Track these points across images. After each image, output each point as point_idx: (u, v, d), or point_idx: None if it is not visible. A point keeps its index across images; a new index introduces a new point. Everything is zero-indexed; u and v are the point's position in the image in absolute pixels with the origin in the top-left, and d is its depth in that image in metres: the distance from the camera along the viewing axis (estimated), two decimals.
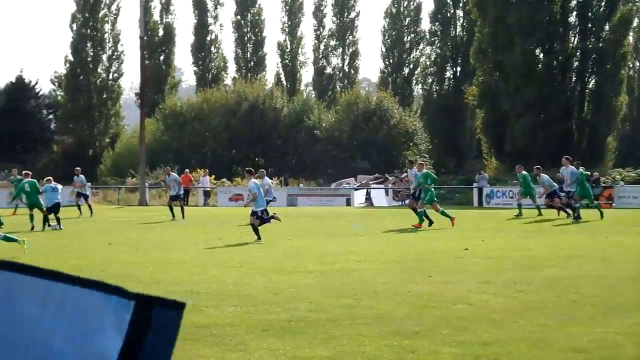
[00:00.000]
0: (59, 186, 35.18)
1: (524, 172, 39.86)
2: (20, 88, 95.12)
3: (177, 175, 43.21)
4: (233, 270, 18.12)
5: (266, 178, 39.08)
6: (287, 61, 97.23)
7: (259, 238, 26.16)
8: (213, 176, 65.40)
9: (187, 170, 60.52)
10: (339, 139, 78.55)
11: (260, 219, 27.14)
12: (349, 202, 56.13)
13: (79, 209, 43.01)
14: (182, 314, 1.64)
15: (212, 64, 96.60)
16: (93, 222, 38.27)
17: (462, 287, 14.92)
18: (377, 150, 75.87)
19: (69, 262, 20.17)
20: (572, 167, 36.15)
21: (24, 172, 38.90)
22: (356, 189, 59.48)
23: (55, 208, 33.68)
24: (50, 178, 35.92)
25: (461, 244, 23.63)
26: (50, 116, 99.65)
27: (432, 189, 33.58)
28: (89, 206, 43.54)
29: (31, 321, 1.71)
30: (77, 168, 45.81)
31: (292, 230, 30.81)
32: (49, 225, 33.29)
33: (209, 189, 61.05)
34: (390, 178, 63.32)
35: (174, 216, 39.27)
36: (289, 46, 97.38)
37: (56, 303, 1.69)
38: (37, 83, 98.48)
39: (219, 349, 10.02)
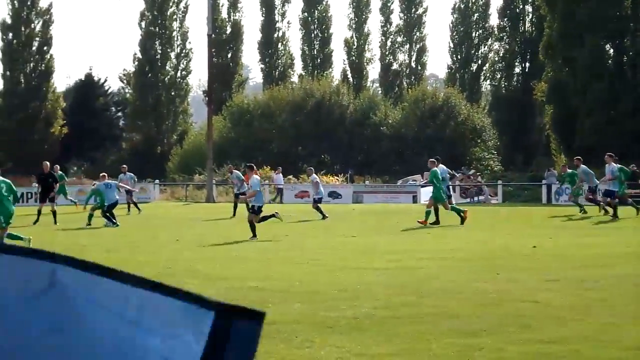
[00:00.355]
0: (113, 182, 35.64)
1: (569, 171, 39.40)
2: (89, 86, 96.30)
3: (240, 173, 43.37)
4: (299, 267, 18.17)
5: (314, 175, 39.39)
6: (353, 58, 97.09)
7: (254, 236, 26.26)
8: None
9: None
10: (406, 136, 78.31)
11: (257, 214, 27.24)
12: (415, 199, 55.96)
13: (136, 206, 43.14)
14: (262, 324, 1.63)
15: (279, 61, 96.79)
16: (161, 219, 38.63)
17: (529, 285, 14.81)
18: (444, 147, 75.47)
19: (137, 258, 20.39)
20: (614, 164, 35.51)
21: (101, 174, 39.37)
22: (423, 186, 59.27)
23: (112, 206, 34.07)
24: (105, 174, 36.44)
25: (529, 241, 23.44)
26: (119, 113, 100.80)
27: (443, 187, 33.40)
28: (128, 204, 43.43)
29: (110, 327, 1.73)
30: (124, 166, 45.92)
31: (357, 227, 30.83)
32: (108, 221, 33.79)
33: (282, 187, 60.74)
34: (457, 175, 62.99)
35: (234, 214, 39.35)
36: (355, 43, 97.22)
37: (135, 309, 1.71)
38: (106, 81, 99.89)
39: (285, 346, 10.05)
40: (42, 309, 1.80)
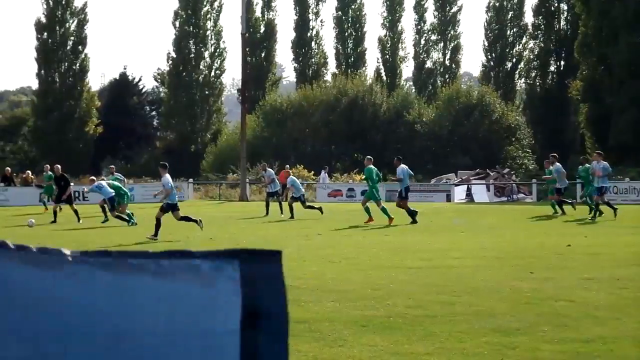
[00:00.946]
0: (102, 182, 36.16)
1: (552, 168, 38.55)
2: (124, 85, 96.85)
3: (272, 172, 43.39)
4: (332, 266, 18.13)
5: (292, 176, 39.75)
6: (387, 56, 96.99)
7: (156, 235, 26.17)
8: (313, 172, 65.69)
9: (287, 166, 60.85)
10: (439, 134, 78.07)
11: (165, 211, 27.11)
12: (449, 198, 55.75)
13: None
14: (281, 261, 1.80)
15: (313, 60, 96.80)
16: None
17: (564, 284, 14.70)
18: (478, 146, 75.22)
19: None
20: (605, 162, 34.72)
21: (90, 178, 39.69)
22: (457, 185, 59.08)
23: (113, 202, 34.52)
24: (93, 178, 37.22)
25: (564, 240, 23.29)
26: (153, 112, 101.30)
27: (377, 186, 33.51)
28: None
29: (146, 302, 1.76)
30: (112, 166, 45.56)
31: (390, 226, 30.75)
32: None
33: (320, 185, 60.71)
34: (491, 173, 62.73)
35: (267, 213, 39.35)
36: (389, 41, 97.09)
37: (170, 279, 1.80)
38: (140, 80, 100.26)
39: (318, 344, 10.02)
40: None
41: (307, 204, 38.40)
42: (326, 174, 61.59)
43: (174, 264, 1.77)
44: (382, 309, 12.32)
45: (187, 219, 28.19)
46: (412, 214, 32.29)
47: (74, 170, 64.65)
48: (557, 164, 37.21)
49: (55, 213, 36.42)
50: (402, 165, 33.53)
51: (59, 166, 39.06)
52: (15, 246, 1.88)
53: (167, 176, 27.79)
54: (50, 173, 44.73)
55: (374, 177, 33.09)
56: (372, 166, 33.35)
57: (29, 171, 58.13)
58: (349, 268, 17.66)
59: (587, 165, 36.49)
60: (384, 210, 32.40)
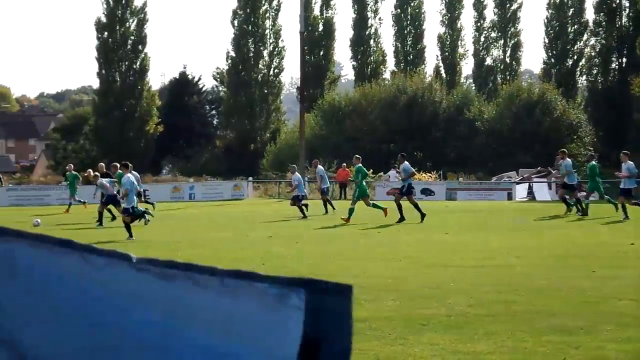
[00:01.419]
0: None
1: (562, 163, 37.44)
2: (183, 84, 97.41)
3: (322, 168, 43.39)
4: (391, 264, 18.08)
5: (296, 174, 39.41)
6: (446, 54, 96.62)
7: (131, 236, 25.78)
8: (372, 170, 65.50)
9: (345, 164, 60.76)
10: (500, 132, 77.54)
11: (130, 215, 26.88)
12: (510, 196, 55.37)
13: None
14: (351, 297, 1.69)
15: (371, 58, 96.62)
16: (254, 216, 38.81)
17: (627, 282, 14.52)
18: (540, 143, 74.53)
19: (232, 254, 20.51)
20: (630, 162, 33.93)
21: (94, 174, 39.66)
22: (518, 183, 58.65)
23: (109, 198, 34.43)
24: (97, 174, 37.26)
25: (627, 238, 23.00)
26: (213, 112, 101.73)
27: (364, 184, 34.09)
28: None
29: (206, 319, 1.73)
30: (114, 164, 44.85)
31: (451, 225, 30.61)
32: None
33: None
34: (553, 172, 62.12)
35: (326, 211, 39.17)
36: (448, 38, 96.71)
37: (232, 298, 1.74)
38: (200, 79, 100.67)
39: (379, 343, 10.00)
40: None
41: (298, 204, 37.63)
42: (396, 173, 60.90)
43: (239, 284, 1.72)
44: (442, 308, 12.26)
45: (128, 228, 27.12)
46: (401, 211, 32.40)
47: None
48: (568, 159, 36.60)
49: (110, 210, 36.21)
50: (406, 162, 34.26)
51: (102, 164, 39.44)
52: (81, 246, 1.87)
53: (129, 176, 27.64)
54: (74, 172, 45.03)
55: (365, 173, 34.39)
56: (360, 164, 34.41)
57: (90, 170, 58.64)
58: (408, 266, 17.61)
59: (594, 163, 36.07)
60: (351, 210, 32.85)
